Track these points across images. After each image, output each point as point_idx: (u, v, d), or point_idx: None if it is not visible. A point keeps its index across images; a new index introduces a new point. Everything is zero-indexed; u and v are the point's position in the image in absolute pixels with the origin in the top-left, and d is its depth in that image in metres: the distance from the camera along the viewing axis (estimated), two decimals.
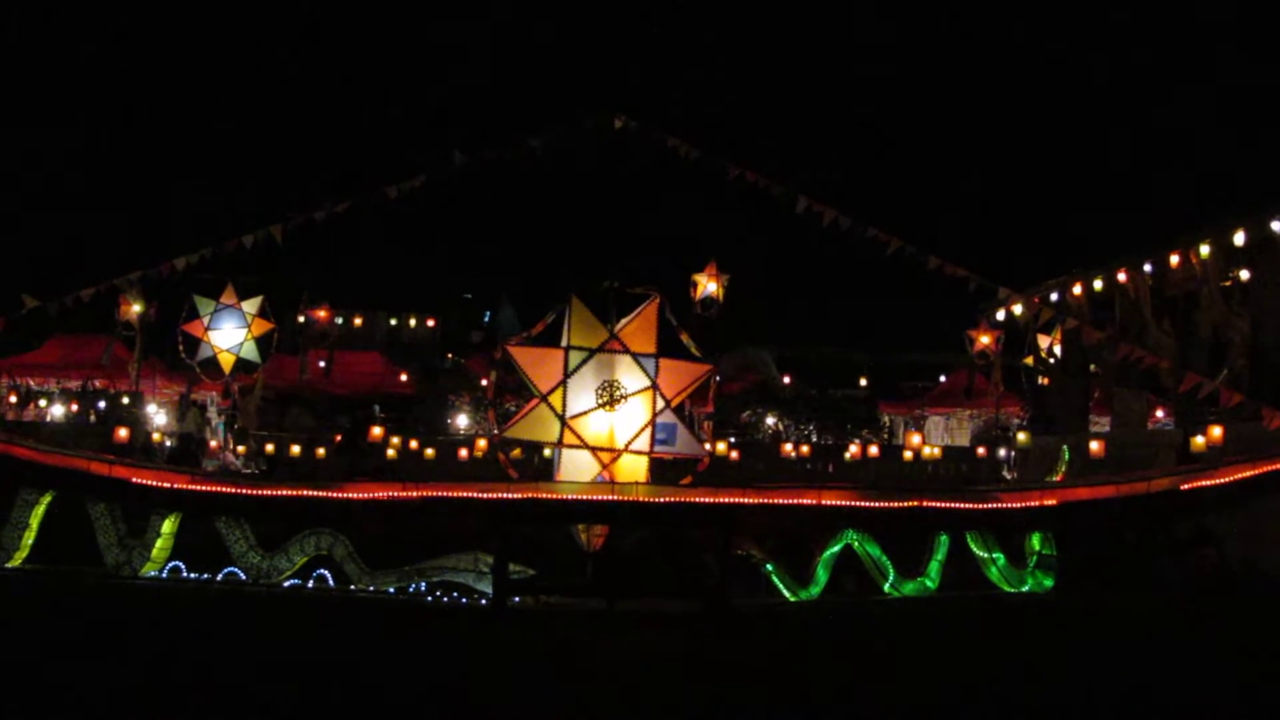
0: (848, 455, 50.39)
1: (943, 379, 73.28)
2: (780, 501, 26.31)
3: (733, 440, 52.36)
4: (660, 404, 27.09)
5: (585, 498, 25.87)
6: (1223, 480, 25.73)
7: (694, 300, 56.79)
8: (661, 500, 25.83)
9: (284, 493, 26.89)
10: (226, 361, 45.55)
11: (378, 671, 18.83)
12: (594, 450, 26.84)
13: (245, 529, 26.80)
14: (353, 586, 26.44)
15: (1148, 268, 39.07)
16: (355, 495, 26.36)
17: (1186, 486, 26.07)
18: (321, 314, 64.80)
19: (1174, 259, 37.59)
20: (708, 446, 28.62)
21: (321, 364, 65.92)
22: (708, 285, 57.15)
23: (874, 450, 50.89)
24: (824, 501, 26.40)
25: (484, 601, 25.63)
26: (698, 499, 25.90)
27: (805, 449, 52.59)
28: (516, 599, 25.73)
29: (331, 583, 26.48)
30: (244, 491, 26.90)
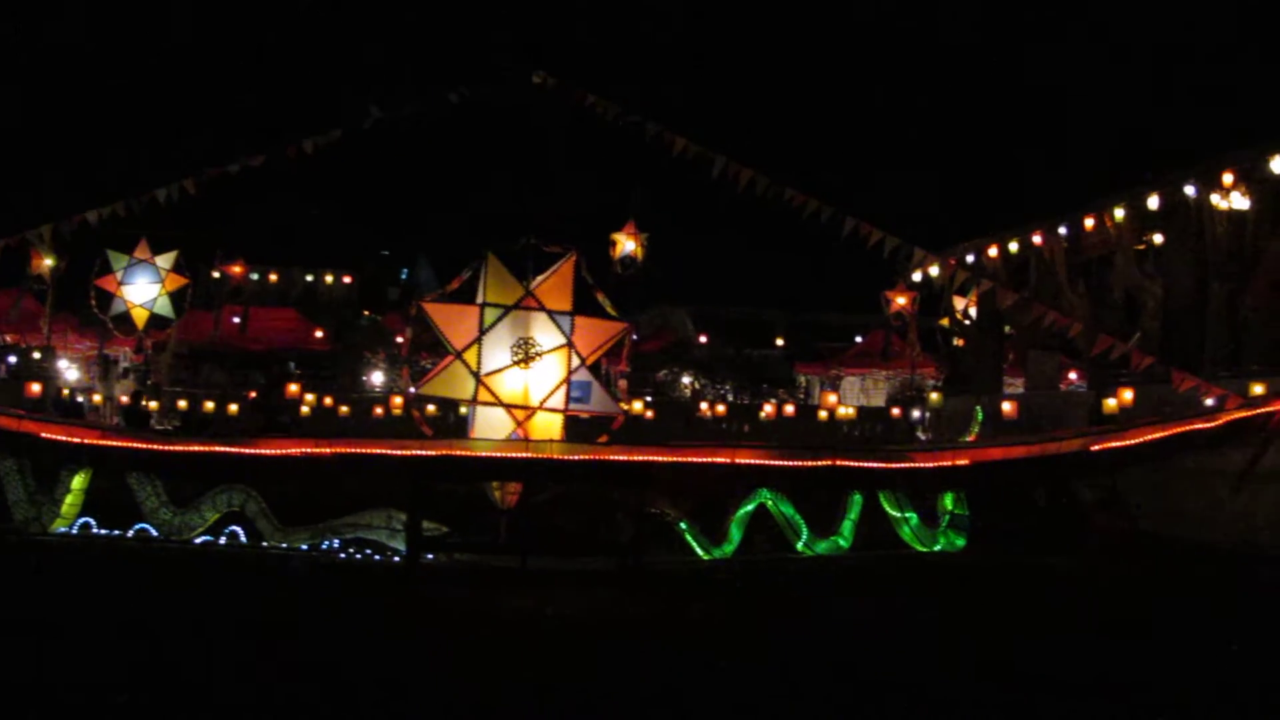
0: (763, 415, 50.45)
1: (859, 339, 73.49)
2: (694, 460, 26.32)
3: (648, 399, 52.29)
4: (575, 362, 27.04)
5: (499, 455, 25.82)
6: (1132, 441, 25.93)
7: (613, 259, 56.63)
8: (576, 458, 25.80)
9: (196, 448, 26.71)
10: (140, 317, 45.07)
11: (289, 629, 18.76)
12: (509, 408, 26.77)
13: (157, 485, 26.63)
14: (265, 543, 26.34)
15: (1062, 230, 39.32)
16: (268, 451, 26.21)
17: (1096, 447, 26.26)
18: (236, 269, 64.32)
19: (1088, 222, 37.85)
20: (623, 405, 28.62)
21: (236, 320, 65.40)
22: (626, 244, 57.01)
23: (789, 410, 51.00)
24: (738, 461, 26.44)
25: (397, 559, 25.58)
26: (612, 457, 25.87)
27: (721, 408, 52.63)
28: (430, 556, 25.68)
29: (244, 539, 26.37)
30: (155, 447, 26.72)
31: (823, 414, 48.27)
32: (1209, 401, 25.90)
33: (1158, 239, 40.02)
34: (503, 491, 26.67)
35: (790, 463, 26.83)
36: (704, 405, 51.88)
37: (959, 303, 48.86)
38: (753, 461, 26.67)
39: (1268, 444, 24.95)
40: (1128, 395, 30.62)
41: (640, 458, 25.97)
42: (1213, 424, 25.55)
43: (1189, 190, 32.95)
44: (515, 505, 26.67)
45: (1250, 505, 27.25)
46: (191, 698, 14.17)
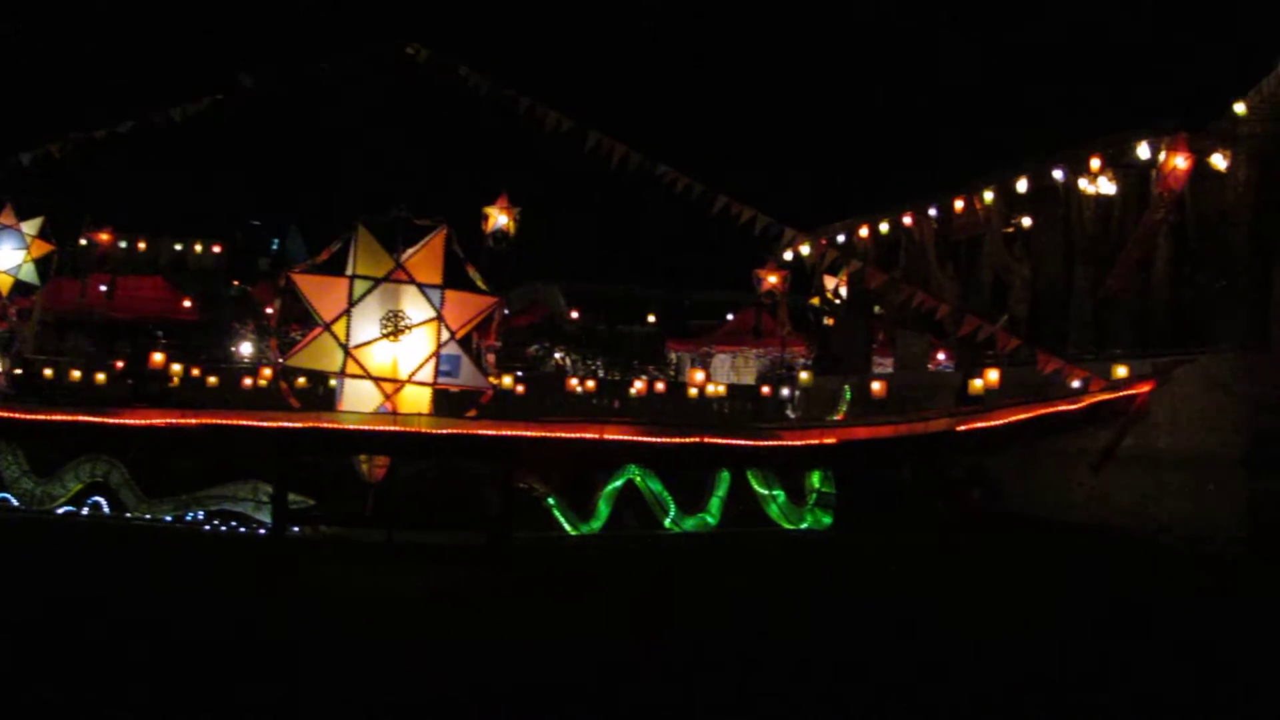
0: (633, 391, 50.51)
1: (730, 317, 73.67)
2: (562, 436, 26.31)
3: (518, 374, 52.17)
4: (445, 336, 26.94)
5: (367, 428, 25.68)
6: (997, 422, 26.19)
7: (485, 233, 56.43)
8: (444, 432, 25.72)
9: (59, 417, 26.35)
10: (4, 283, 44.35)
11: (152, 601, 18.59)
12: (377, 380, 26.63)
13: (18, 454, 26.27)
14: (129, 514, 26.06)
15: (933, 212, 39.59)
16: (133, 421, 25.92)
17: (962, 428, 26.49)
18: (104, 237, 63.39)
19: (958, 204, 38.11)
20: (492, 380, 28.56)
21: (103, 288, 64.52)
22: (499, 218, 56.79)
23: (660, 387, 51.07)
24: (606, 437, 26.45)
25: (262, 531, 25.40)
26: (480, 432, 25.81)
27: (591, 384, 52.66)
28: (296, 529, 25.52)
29: (107, 510, 26.08)
30: (16, 415, 26.36)
31: (693, 391, 48.37)
32: (1075, 384, 26.20)
33: (1026, 222, 40.37)
34: (370, 465, 26.52)
35: (659, 439, 26.88)
36: (574, 381, 51.83)
37: (829, 282, 49.02)
38: (621, 438, 26.70)
39: (1129, 426, 25.29)
40: (994, 376, 30.87)
41: (508, 433, 25.93)
42: (1076, 406, 25.87)
43: (1057, 175, 33.27)
44: (382, 478, 26.53)
45: (1109, 486, 27.61)
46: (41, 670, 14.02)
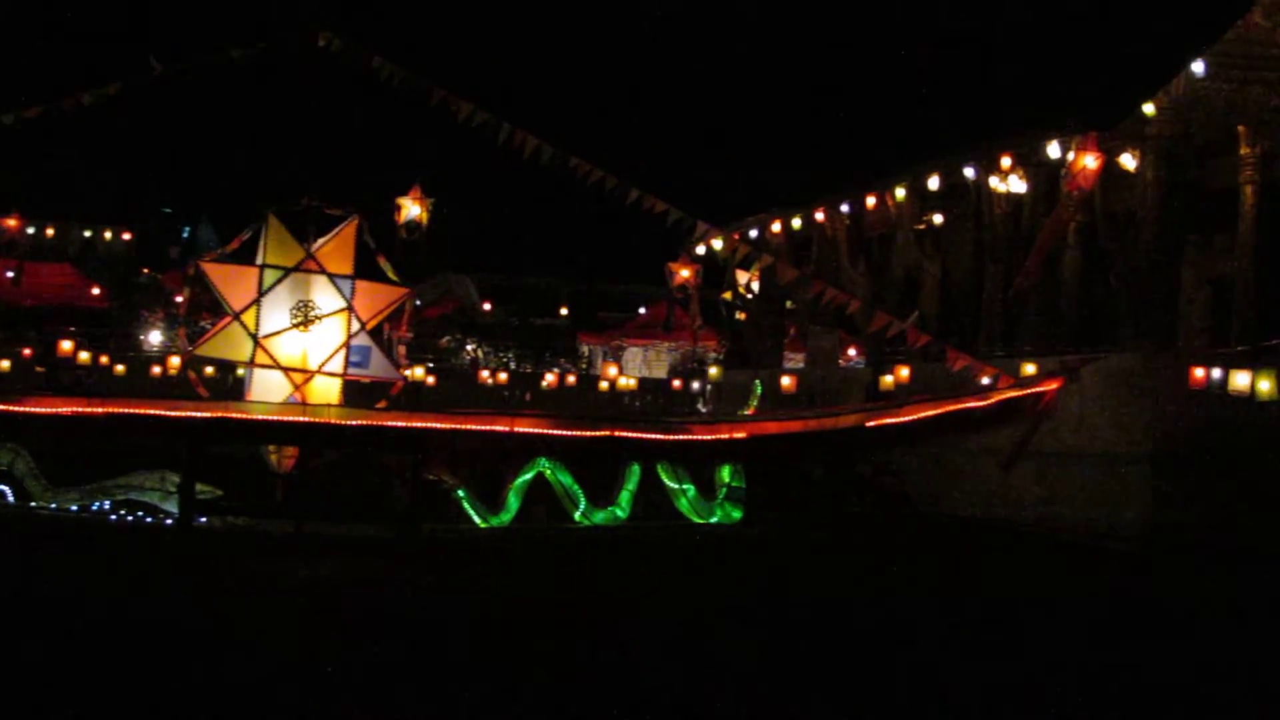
0: (545, 384, 50.47)
1: (642, 311, 73.71)
2: (473, 428, 26.28)
3: (430, 365, 52.01)
4: (355, 326, 26.85)
5: (276, 419, 25.55)
6: (906, 418, 26.33)
7: (398, 224, 56.16)
8: (353, 423, 25.64)
9: None
10: None
11: (56, 592, 18.41)
12: (286, 371, 26.51)
13: None
14: (33, 503, 25.82)
15: (845, 209, 39.77)
16: (38, 409, 25.67)
17: (872, 423, 26.61)
18: (11, 223, 62.76)
19: (870, 201, 38.30)
20: (403, 371, 28.49)
21: (10, 274, 63.90)
22: (412, 208, 56.53)
23: (571, 379, 51.07)
24: (517, 429, 26.43)
25: (169, 522, 25.22)
26: (390, 423, 25.74)
27: (503, 376, 52.54)
28: (203, 520, 25.37)
29: (11, 499, 25.83)
30: None
31: (604, 384, 48.38)
32: (984, 381, 26.38)
33: (938, 219, 40.64)
34: (279, 455, 26.41)
35: (569, 432, 26.89)
36: (485, 373, 51.70)
37: (742, 277, 49.19)
38: (531, 430, 26.69)
39: (1037, 424, 25.49)
40: (904, 373, 31.04)
41: (418, 424, 25.87)
42: (985, 403, 26.03)
43: (968, 173, 33.49)
44: (291, 470, 26.43)
45: (1016, 483, 27.84)
46: None
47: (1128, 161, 30.92)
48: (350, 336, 26.85)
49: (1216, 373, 24.55)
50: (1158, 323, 28.91)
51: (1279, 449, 25.95)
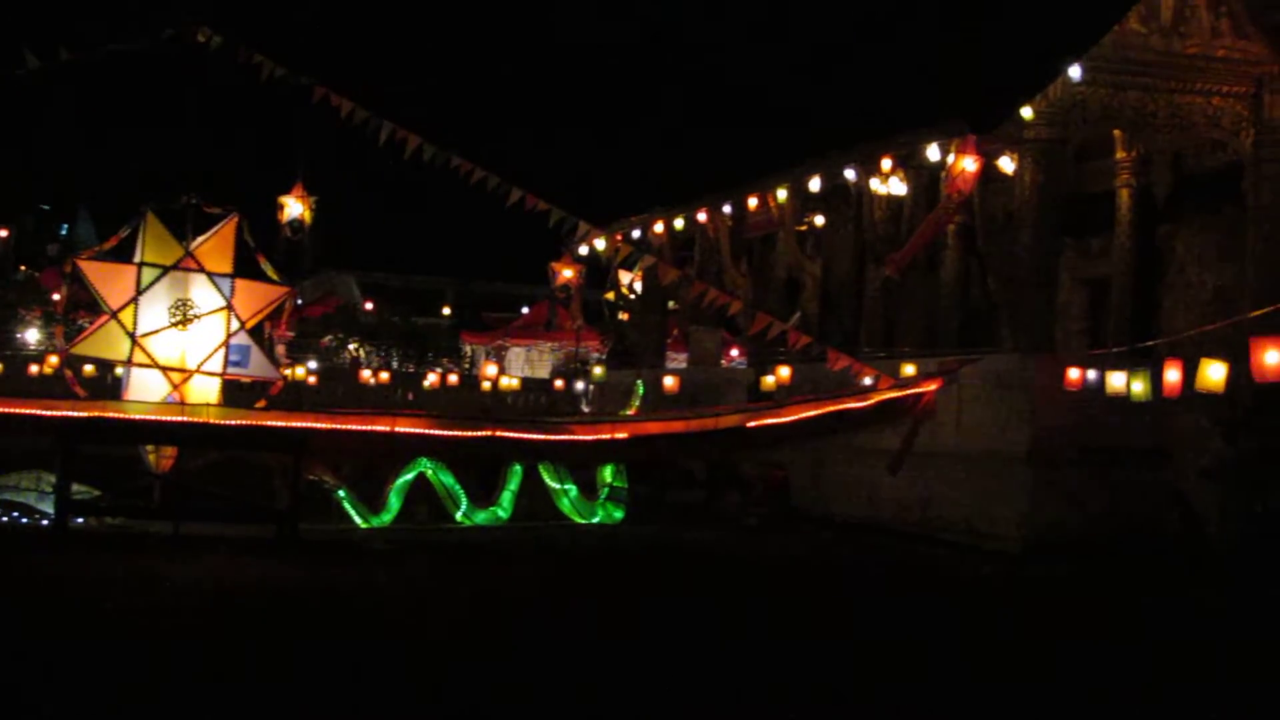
0: (427, 384, 50.33)
1: (525, 310, 73.70)
2: (353, 428, 26.18)
3: (311, 365, 51.73)
4: (235, 325, 26.65)
5: (154, 418, 25.30)
6: (787, 418, 26.44)
7: (280, 222, 55.94)
8: (232, 423, 25.44)
9: None
10: None
11: None
12: (165, 370, 26.26)
13: None
14: None
15: (727, 209, 39.89)
16: None
17: (753, 424, 26.71)
18: None
19: (752, 202, 38.43)
20: (283, 370, 28.33)
21: None
22: (294, 207, 56.38)
23: (453, 379, 50.98)
24: (397, 429, 26.34)
25: (45, 522, 24.93)
26: (269, 423, 25.57)
27: (385, 376, 52.32)
28: (80, 520, 25.08)
29: None
30: None
31: (486, 384, 48.30)
32: (865, 381, 26.52)
33: (819, 221, 40.85)
34: (157, 455, 26.17)
35: (450, 432, 26.83)
36: (367, 372, 51.48)
37: (624, 277, 49.28)
38: (412, 430, 26.61)
39: (919, 425, 25.65)
40: (785, 373, 31.18)
41: (298, 424, 25.73)
42: (865, 403, 26.15)
43: (849, 174, 33.65)
44: (170, 470, 26.19)
45: (896, 483, 28.00)
46: None
47: (1006, 164, 31.21)
48: (229, 335, 26.64)
49: (1092, 374, 24.80)
50: (1035, 324, 29.15)
51: (1153, 449, 26.32)
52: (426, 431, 26.72)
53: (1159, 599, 21.91)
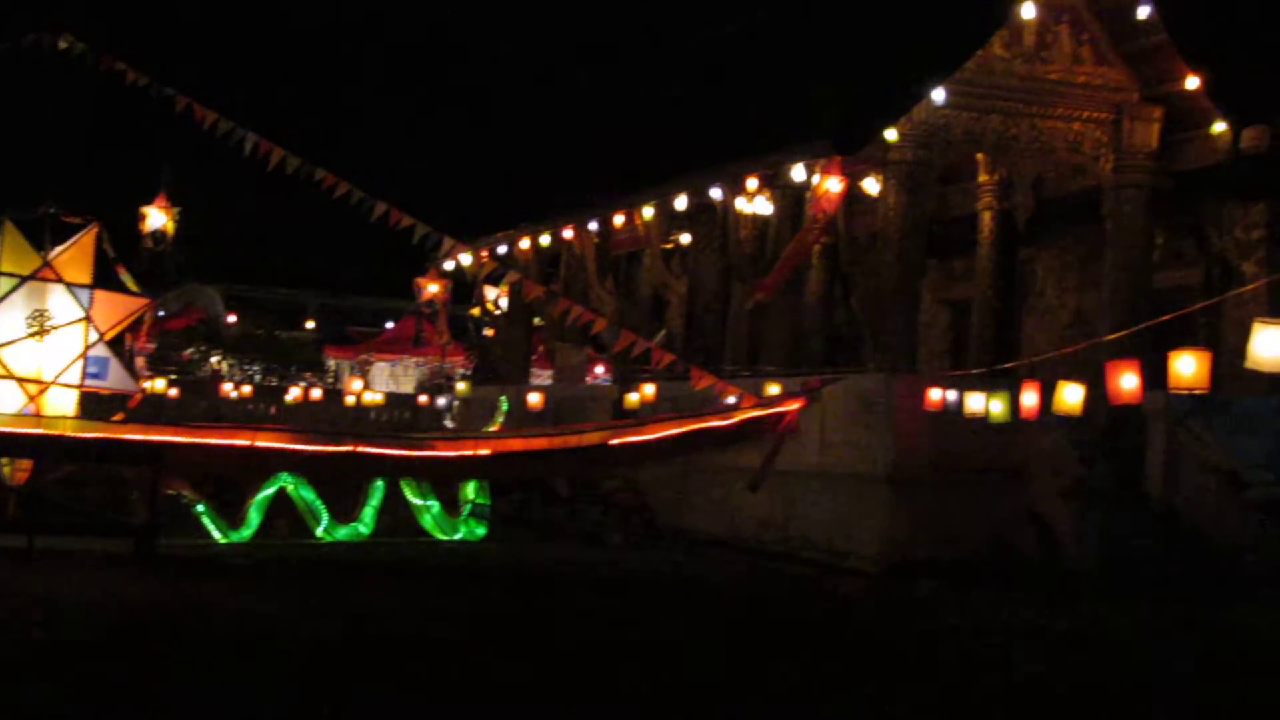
0: (290, 398, 50.03)
1: (390, 325, 73.46)
2: (213, 441, 25.91)
3: (172, 377, 51.26)
4: (93, 337, 26.31)
5: (9, 430, 24.92)
6: (649, 436, 26.42)
7: (142, 233, 55.35)
8: (89, 436, 25.10)
9: None
10: None
11: None
12: (20, 381, 25.88)
13: None
14: None
15: (593, 226, 39.90)
16: None
17: (616, 441, 26.67)
18: None
19: (618, 219, 38.47)
20: (143, 383, 28.02)
21: None
22: (156, 218, 55.80)
23: (317, 394, 50.71)
24: (258, 443, 26.10)
25: None
26: (127, 436, 25.26)
27: (247, 389, 51.98)
28: None
29: None
30: None
31: (350, 399, 48.10)
32: (729, 399, 26.56)
33: (685, 239, 40.96)
34: (12, 468, 25.77)
35: (311, 447, 26.62)
36: (229, 386, 51.09)
37: (490, 293, 49.20)
38: (273, 445, 26.37)
39: (780, 443, 25.72)
40: (650, 391, 31.24)
41: (156, 437, 25.43)
42: (728, 421, 26.16)
43: (715, 193, 33.74)
44: (25, 483, 25.79)
45: (758, 502, 28.09)
46: None
47: (871, 186, 31.48)
48: (88, 347, 26.31)
49: (953, 394, 25.01)
50: (898, 345, 29.40)
51: (1012, 469, 26.59)
52: (287, 446, 26.49)
53: (1012, 619, 22.08)
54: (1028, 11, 29.09)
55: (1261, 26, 28.15)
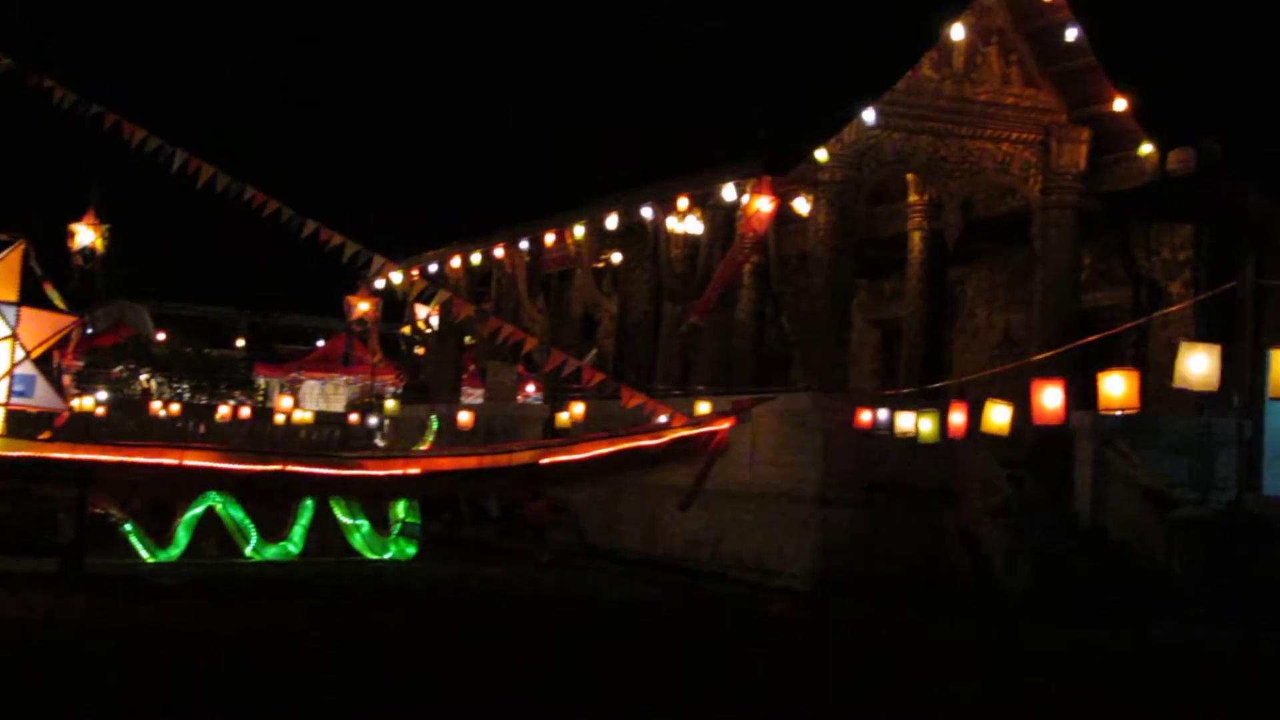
0: (220, 416, 49.79)
1: (321, 343, 73.20)
2: (141, 460, 25.74)
3: (100, 396, 50.92)
4: (20, 355, 26.10)
5: None
6: (580, 455, 26.40)
7: (71, 250, 54.95)
8: (15, 454, 24.91)
9: None
10: None
11: None
12: None
13: None
14: None
15: (525, 245, 39.88)
16: None
17: (546, 460, 26.63)
18: None
19: (550, 238, 38.45)
20: (71, 401, 27.82)
21: None
22: (86, 235, 55.37)
23: (246, 412, 50.49)
24: (186, 462, 25.95)
25: None
26: (54, 454, 25.07)
27: (176, 408, 51.70)
28: None
29: None
30: None
31: (279, 417, 47.91)
32: (660, 419, 26.55)
33: (616, 258, 41.00)
34: None
35: (239, 466, 26.48)
36: (158, 404, 50.81)
37: (421, 311, 49.04)
38: (201, 463, 26.23)
39: (711, 462, 25.73)
40: (580, 410, 31.27)
41: (83, 455, 25.25)
42: (659, 441, 26.16)
43: (646, 213, 33.76)
44: None
45: (690, 521, 28.13)
46: None
47: (801, 206, 31.58)
48: (14, 365, 26.09)
49: (883, 414, 25.13)
50: (828, 364, 29.50)
51: (942, 489, 26.69)
52: (216, 465, 26.36)
53: (940, 638, 22.17)
54: (957, 33, 29.29)
55: (1187, 50, 28.42)
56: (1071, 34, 28.92)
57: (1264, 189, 27.83)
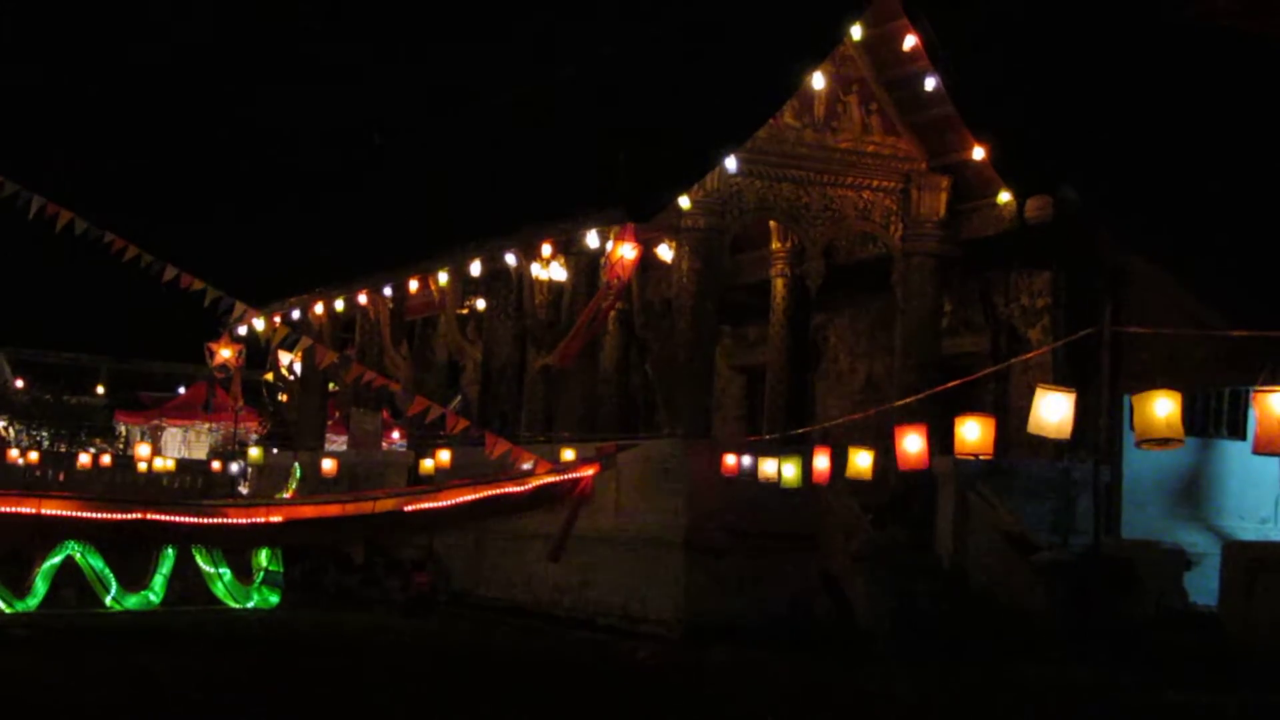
0: (80, 464, 49.10)
1: (182, 390, 72.46)
2: None
3: None
4: None
5: None
6: (444, 503, 26.32)
7: None
8: None
9: None
10: None
11: None
12: None
13: None
14: None
15: (388, 291, 39.72)
16: None
17: (410, 508, 26.53)
18: None
19: (414, 284, 38.32)
20: None
21: None
22: None
23: (106, 460, 49.85)
24: (44, 511, 25.57)
25: None
26: None
27: (34, 456, 50.94)
28: None
29: None
30: None
31: (141, 465, 47.34)
32: (525, 465, 26.54)
33: (480, 304, 40.95)
34: None
35: (99, 515, 26.13)
36: (15, 452, 50.05)
37: (284, 358, 48.67)
38: (59, 513, 25.85)
39: (577, 510, 25.74)
40: (445, 457, 31.19)
41: None
42: (523, 488, 26.14)
43: (510, 259, 33.75)
44: None
45: (556, 568, 28.11)
46: None
47: (665, 252, 31.73)
48: None
49: (748, 460, 25.26)
50: (693, 410, 29.59)
51: (807, 534, 26.85)
52: (75, 514, 26.01)
53: (802, 681, 22.31)
54: (818, 82, 29.52)
55: (1043, 99, 28.80)
56: (930, 84, 29.20)
57: (1120, 235, 28.22)
